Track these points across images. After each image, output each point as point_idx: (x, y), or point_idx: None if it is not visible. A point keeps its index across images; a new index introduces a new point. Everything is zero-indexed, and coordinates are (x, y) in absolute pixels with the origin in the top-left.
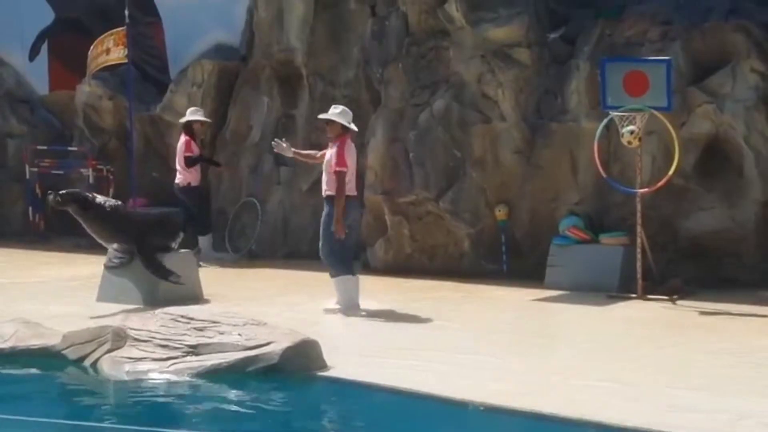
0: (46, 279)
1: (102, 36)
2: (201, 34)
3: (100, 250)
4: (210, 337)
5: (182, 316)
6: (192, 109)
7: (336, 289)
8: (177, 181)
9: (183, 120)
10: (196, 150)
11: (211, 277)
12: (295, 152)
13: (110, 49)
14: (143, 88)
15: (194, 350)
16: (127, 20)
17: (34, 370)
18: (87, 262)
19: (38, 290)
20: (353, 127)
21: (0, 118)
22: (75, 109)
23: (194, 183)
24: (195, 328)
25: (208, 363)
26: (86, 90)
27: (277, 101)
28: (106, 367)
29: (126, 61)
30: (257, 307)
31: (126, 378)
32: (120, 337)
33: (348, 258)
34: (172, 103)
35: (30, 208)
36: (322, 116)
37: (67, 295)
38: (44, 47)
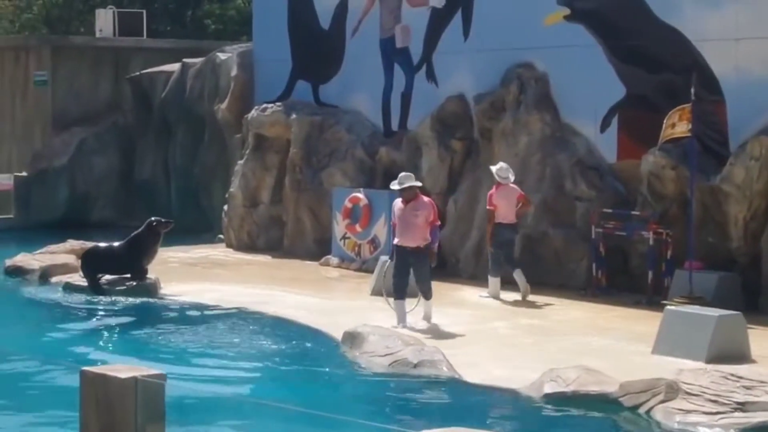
0: (609, 330)
1: (671, 112)
2: (762, 112)
3: (657, 309)
4: (757, 396)
5: (732, 375)
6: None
7: None
8: None
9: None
10: None
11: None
12: None
13: (675, 124)
14: (704, 160)
15: (741, 407)
16: (692, 98)
17: (593, 413)
18: (647, 317)
19: (599, 345)
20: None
21: (571, 183)
22: (640, 176)
23: None
24: (744, 387)
25: (754, 420)
26: (651, 160)
27: None
28: (659, 416)
29: (690, 135)
30: None
31: (676, 427)
32: (673, 390)
33: None
34: (731, 175)
35: (594, 265)
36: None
37: (626, 350)
38: (614, 120)
